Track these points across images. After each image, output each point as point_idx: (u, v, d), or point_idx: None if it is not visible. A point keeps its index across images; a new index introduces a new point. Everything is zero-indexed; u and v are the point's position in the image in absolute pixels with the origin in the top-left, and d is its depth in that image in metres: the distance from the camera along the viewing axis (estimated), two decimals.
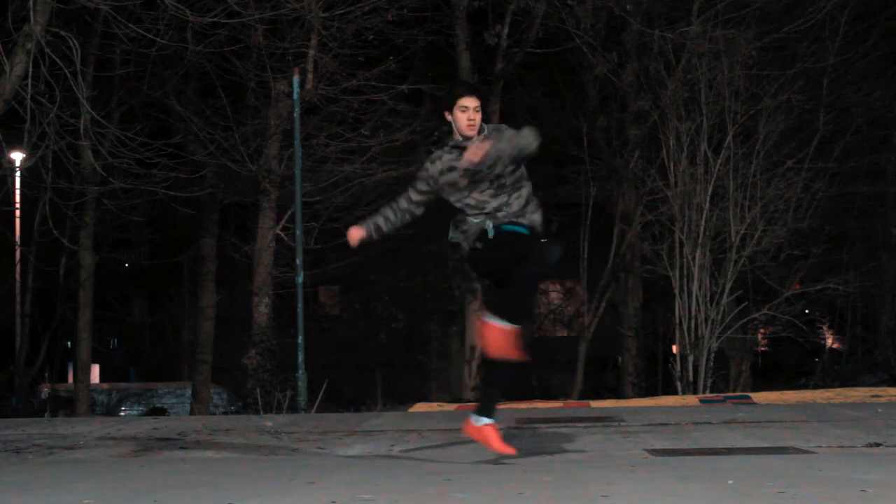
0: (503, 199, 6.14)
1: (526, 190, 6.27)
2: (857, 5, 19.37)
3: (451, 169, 6.17)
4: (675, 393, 17.42)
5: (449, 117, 6.17)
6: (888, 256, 23.90)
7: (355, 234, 6.37)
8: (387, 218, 6.38)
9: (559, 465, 5.90)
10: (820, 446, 6.68)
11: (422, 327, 30.95)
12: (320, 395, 16.03)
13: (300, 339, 14.77)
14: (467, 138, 6.14)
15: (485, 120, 6.36)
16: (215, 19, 14.50)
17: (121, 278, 33.41)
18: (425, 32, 19.69)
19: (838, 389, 13.82)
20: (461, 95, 6.15)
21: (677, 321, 17.90)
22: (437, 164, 6.23)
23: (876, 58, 20.84)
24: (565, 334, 32.43)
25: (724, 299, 17.88)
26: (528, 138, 6.07)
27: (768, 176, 18.39)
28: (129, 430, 9.29)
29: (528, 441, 7.49)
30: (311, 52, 18.03)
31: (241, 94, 19.32)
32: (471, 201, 6.16)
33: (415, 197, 6.34)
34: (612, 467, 5.62)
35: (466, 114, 6.10)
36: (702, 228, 17.85)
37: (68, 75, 12.48)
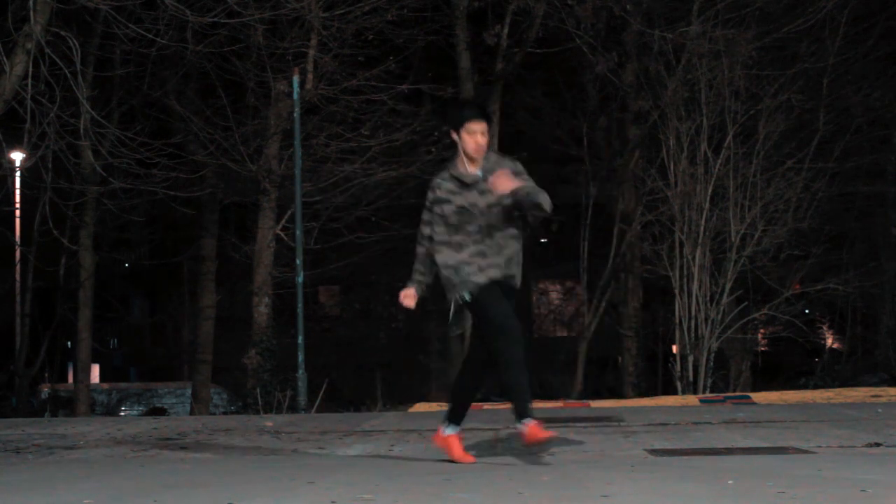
0: (486, 247, 5.92)
1: (518, 243, 6.03)
2: (857, 5, 19.36)
3: (447, 202, 5.95)
4: (675, 393, 17.41)
5: (455, 137, 5.98)
6: (888, 256, 23.88)
7: (410, 300, 6.24)
8: (422, 273, 6.18)
9: (559, 465, 5.90)
10: (820, 446, 6.67)
11: (422, 327, 30.94)
12: (320, 395, 16.03)
13: (300, 339, 14.76)
14: (472, 160, 5.95)
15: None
16: (215, 19, 14.48)
17: (121, 278, 33.38)
18: (425, 32, 19.67)
19: (838, 389, 13.82)
20: (470, 119, 5.94)
21: (677, 321, 17.88)
22: (437, 191, 6.00)
23: (876, 58, 20.85)
24: (565, 334, 32.47)
25: (724, 299, 17.87)
26: (546, 201, 5.79)
27: (768, 176, 18.38)
28: (129, 430, 9.29)
29: None
30: (311, 52, 18.01)
31: (241, 94, 19.31)
32: (456, 239, 5.94)
33: (426, 231, 6.06)
34: (612, 467, 5.62)
35: (474, 137, 5.92)
36: (702, 228, 17.84)
37: (68, 75, 12.46)
